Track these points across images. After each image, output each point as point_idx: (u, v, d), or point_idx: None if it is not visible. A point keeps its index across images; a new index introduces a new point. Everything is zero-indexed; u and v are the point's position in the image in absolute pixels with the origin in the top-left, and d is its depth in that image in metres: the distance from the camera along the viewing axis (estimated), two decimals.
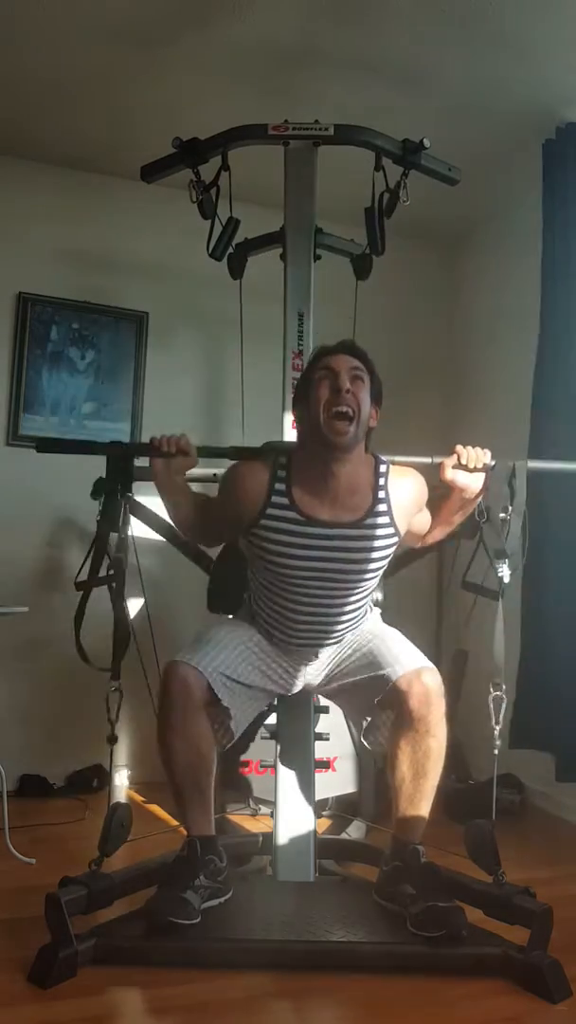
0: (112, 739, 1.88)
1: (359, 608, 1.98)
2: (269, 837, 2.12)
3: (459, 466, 1.93)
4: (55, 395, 3.33)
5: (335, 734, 2.39)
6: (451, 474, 1.93)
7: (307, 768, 2.11)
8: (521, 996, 1.62)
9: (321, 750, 2.20)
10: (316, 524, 1.86)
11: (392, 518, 1.89)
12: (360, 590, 1.94)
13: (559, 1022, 1.57)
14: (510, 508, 1.95)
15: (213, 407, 3.49)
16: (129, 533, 1.99)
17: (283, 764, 2.11)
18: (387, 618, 2.15)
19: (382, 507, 1.89)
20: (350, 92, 2.79)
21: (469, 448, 1.93)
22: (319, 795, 2.19)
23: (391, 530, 1.89)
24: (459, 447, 1.94)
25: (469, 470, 1.93)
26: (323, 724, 2.24)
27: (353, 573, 1.90)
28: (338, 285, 2.67)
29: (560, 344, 2.92)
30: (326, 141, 2.34)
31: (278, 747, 2.13)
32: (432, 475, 1.97)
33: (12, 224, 3.27)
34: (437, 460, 1.96)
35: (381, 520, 1.88)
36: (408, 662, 1.88)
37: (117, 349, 3.42)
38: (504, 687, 1.89)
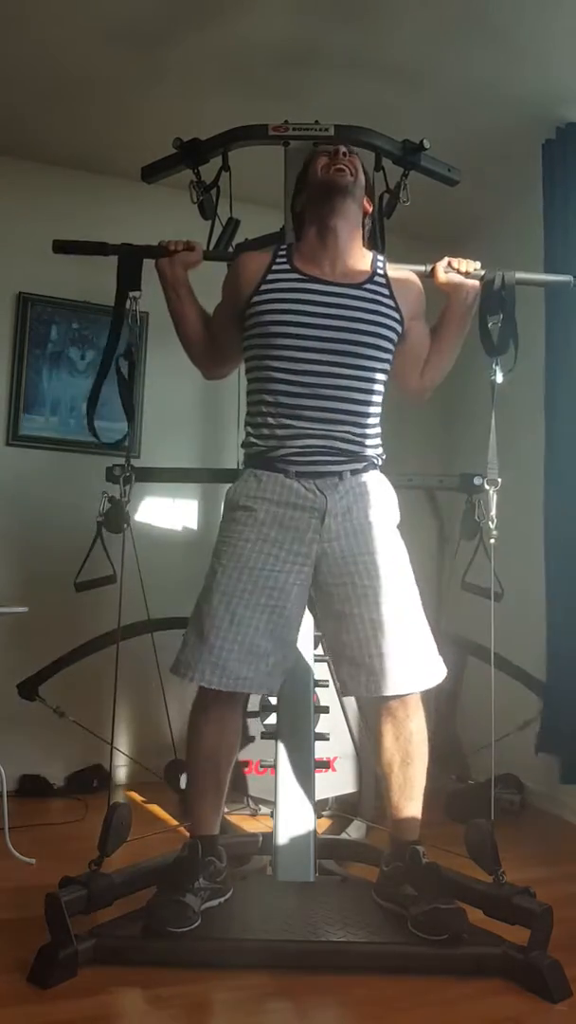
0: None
1: (362, 411, 1.87)
2: (269, 837, 2.12)
3: (451, 270, 2.01)
4: (55, 395, 3.34)
5: (335, 734, 2.39)
6: (445, 275, 2.01)
7: (307, 768, 2.11)
8: (521, 996, 1.62)
9: (321, 750, 2.20)
10: (316, 281, 1.88)
11: (393, 295, 1.92)
12: (361, 370, 1.86)
13: (559, 1022, 1.57)
14: (500, 316, 2.02)
15: (213, 407, 3.49)
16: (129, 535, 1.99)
17: (283, 764, 2.11)
18: None
19: (381, 279, 1.92)
20: (350, 92, 2.79)
21: (458, 258, 2.02)
22: (319, 795, 2.19)
23: (392, 303, 1.91)
24: (447, 257, 2.03)
25: (461, 273, 2.01)
26: (323, 724, 2.24)
27: (353, 339, 1.85)
28: None
29: (566, 343, 2.91)
30: (326, 141, 2.32)
31: (278, 747, 2.13)
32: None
33: (12, 224, 3.27)
34: (430, 266, 2.04)
35: (382, 291, 1.91)
36: (387, 670, 1.81)
37: (120, 346, 3.41)
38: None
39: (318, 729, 2.18)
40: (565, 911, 1.76)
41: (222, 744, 1.88)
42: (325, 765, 2.29)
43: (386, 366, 1.93)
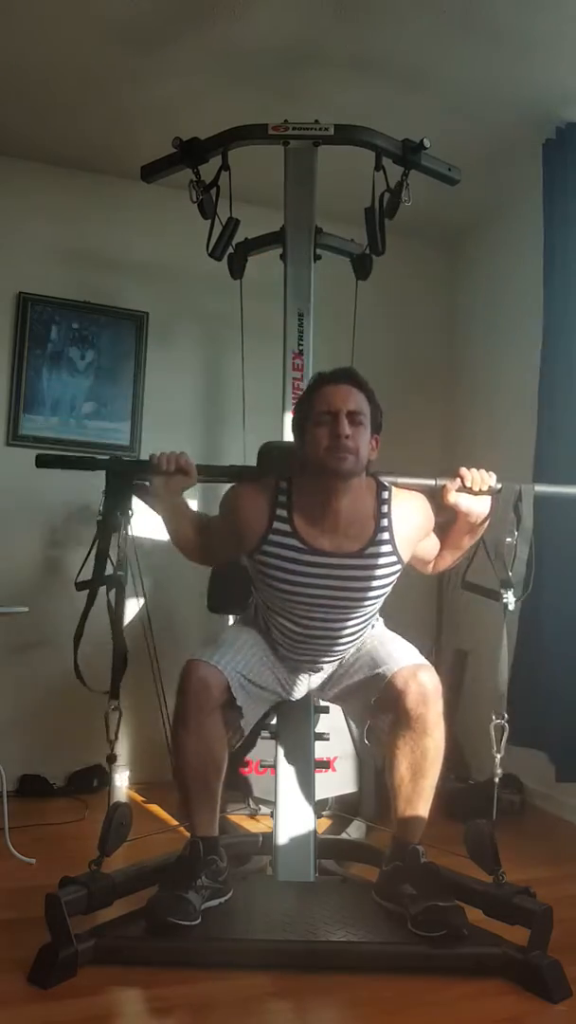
0: (112, 758, 1.89)
1: (362, 627, 1.98)
2: (269, 837, 2.12)
3: (463, 489, 1.90)
4: (55, 395, 3.33)
5: (335, 734, 2.39)
6: (455, 497, 1.91)
7: (307, 768, 2.11)
8: (521, 996, 1.62)
9: (321, 750, 2.20)
10: (318, 553, 1.85)
11: (395, 546, 1.87)
12: (362, 613, 1.93)
13: (559, 1022, 1.57)
14: (516, 533, 1.89)
15: (213, 407, 3.49)
16: (129, 534, 1.98)
17: (283, 764, 2.11)
18: (387, 617, 2.15)
19: (384, 535, 1.86)
20: (350, 92, 2.79)
21: (473, 471, 1.91)
22: (319, 795, 2.19)
23: (393, 558, 1.88)
24: (463, 470, 1.91)
25: (474, 493, 1.90)
26: (323, 724, 2.24)
27: (355, 600, 1.89)
28: (338, 285, 2.66)
29: (564, 344, 2.91)
30: (326, 141, 2.34)
31: (278, 747, 2.12)
32: (437, 496, 1.94)
33: (12, 224, 3.27)
34: (441, 483, 1.93)
35: (383, 549, 1.87)
36: (404, 660, 1.88)
37: (117, 349, 3.42)
38: (506, 716, 1.86)
39: (318, 729, 2.18)
40: (565, 911, 1.76)
41: (208, 758, 1.85)
42: (325, 765, 2.28)
43: (388, 591, 1.95)
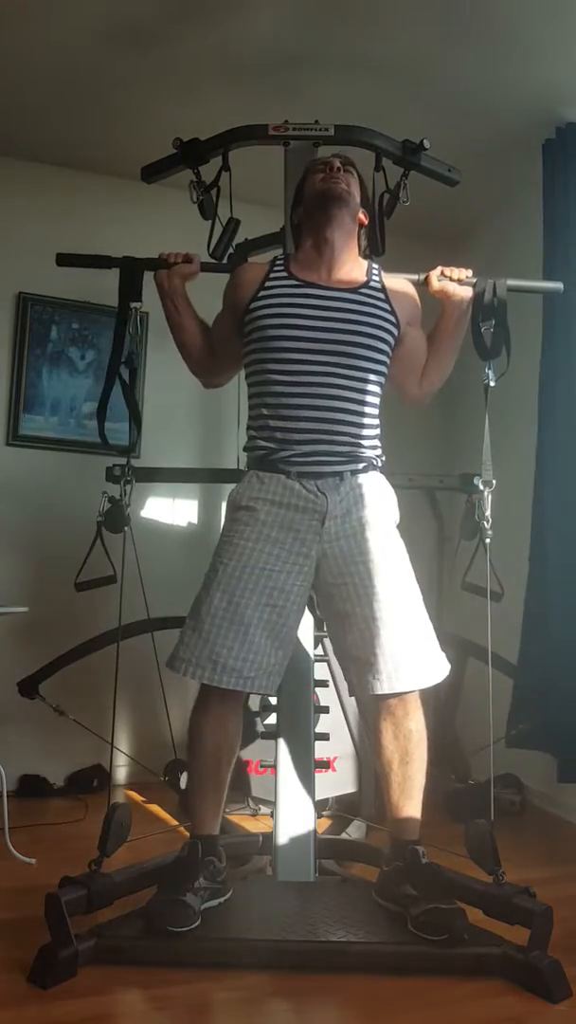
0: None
1: (360, 414, 1.89)
2: (269, 837, 2.12)
3: (443, 278, 2.03)
4: (55, 395, 3.33)
5: (335, 734, 2.39)
6: (439, 284, 2.03)
7: (307, 768, 2.11)
8: (521, 996, 1.62)
9: (321, 750, 2.20)
10: (313, 287, 1.92)
11: (389, 301, 1.95)
12: (359, 374, 1.88)
13: (559, 1022, 1.57)
14: (492, 321, 2.04)
15: (213, 407, 3.49)
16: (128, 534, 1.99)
17: (283, 764, 2.11)
18: None
19: (377, 285, 1.97)
20: (350, 92, 2.79)
21: (451, 266, 2.05)
22: (319, 795, 2.19)
23: (387, 307, 1.94)
24: (440, 266, 2.05)
25: (454, 280, 2.03)
26: (323, 724, 2.24)
27: (350, 343, 1.88)
28: None
29: (564, 344, 2.91)
30: (326, 141, 2.33)
31: (278, 747, 2.13)
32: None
33: (12, 224, 3.27)
34: (424, 275, 2.06)
35: (377, 296, 1.94)
36: (388, 660, 1.81)
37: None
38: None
39: (318, 729, 2.18)
40: (565, 911, 1.77)
41: (223, 744, 1.88)
42: (325, 765, 2.29)
43: (383, 368, 1.95)
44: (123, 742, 3.21)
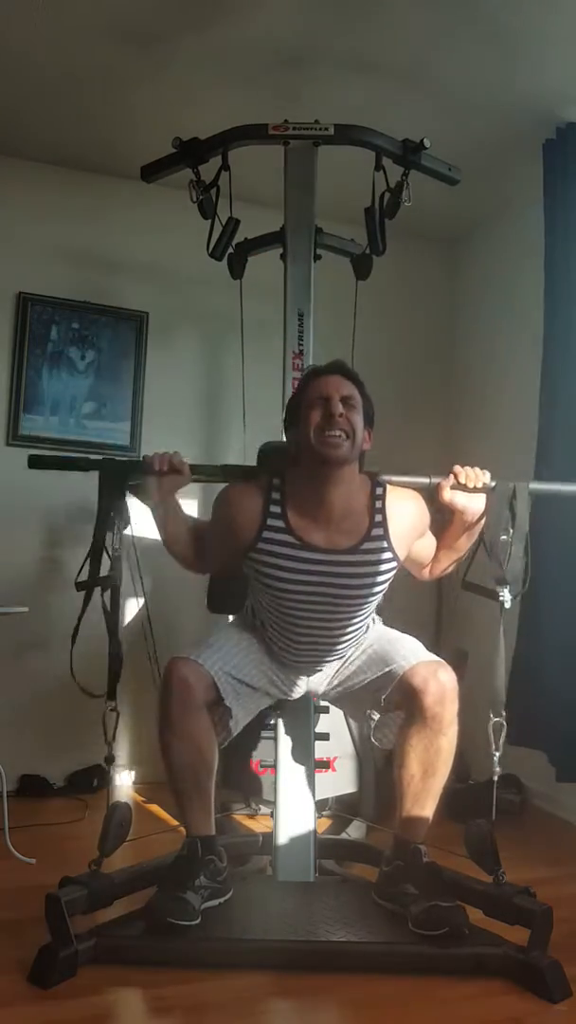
0: (110, 759, 1.88)
1: (360, 626, 1.97)
2: (269, 837, 2.12)
3: (458, 486, 1.90)
4: (55, 395, 3.33)
5: (335, 734, 2.39)
6: (449, 495, 1.90)
7: (307, 768, 2.11)
8: (521, 996, 1.62)
9: (321, 750, 2.20)
10: (312, 549, 1.83)
11: (390, 543, 1.85)
12: (360, 613, 1.92)
13: (559, 1022, 1.57)
14: (511, 531, 1.89)
15: (213, 407, 3.49)
16: (127, 533, 1.98)
17: (283, 764, 2.11)
18: (387, 617, 2.15)
19: (379, 531, 1.85)
20: (350, 92, 2.79)
21: (467, 468, 1.90)
22: (319, 795, 2.19)
23: (389, 555, 1.86)
24: (457, 467, 1.91)
25: (468, 490, 1.90)
26: (323, 724, 2.24)
27: (351, 598, 1.88)
28: (338, 285, 2.66)
29: (566, 344, 2.91)
30: (326, 141, 2.33)
31: (278, 747, 2.12)
32: (433, 495, 1.94)
33: (12, 224, 3.27)
34: (435, 480, 1.93)
35: (378, 545, 1.84)
36: (419, 657, 1.87)
37: (117, 349, 3.42)
38: (504, 715, 1.85)
39: (318, 729, 2.18)
40: (565, 911, 1.76)
41: (196, 756, 1.84)
42: (325, 765, 2.28)
43: (385, 589, 1.94)
44: (123, 742, 3.21)
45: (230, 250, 2.56)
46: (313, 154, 2.35)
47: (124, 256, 3.41)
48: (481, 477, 1.90)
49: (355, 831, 2.61)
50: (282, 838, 2.06)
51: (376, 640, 2.00)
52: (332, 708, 2.24)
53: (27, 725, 3.04)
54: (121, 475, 1.95)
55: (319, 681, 2.04)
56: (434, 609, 3.44)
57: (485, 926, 1.77)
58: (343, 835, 2.56)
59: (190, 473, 1.94)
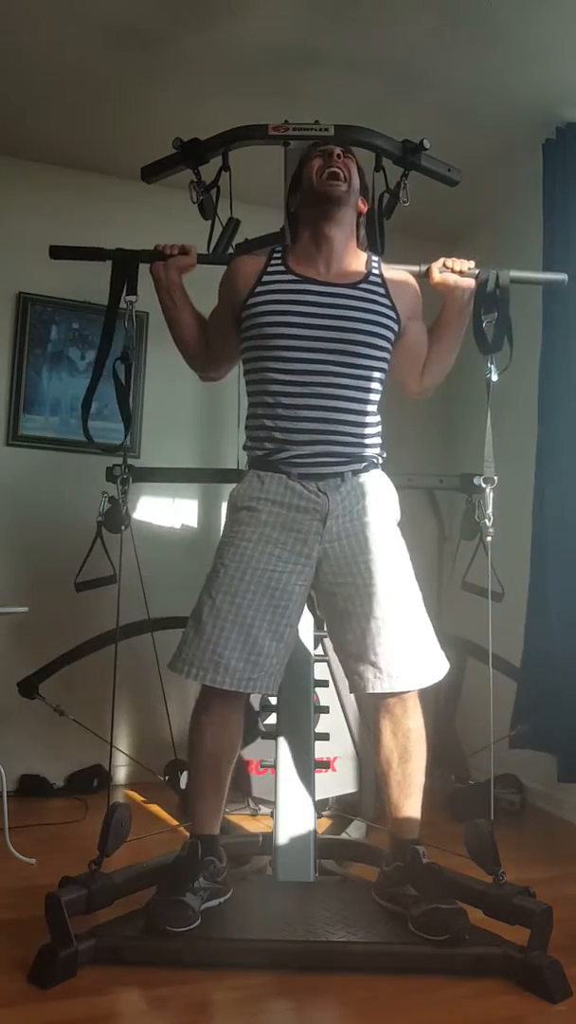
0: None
1: (361, 412, 1.89)
2: (269, 837, 2.12)
3: (445, 270, 2.02)
4: (55, 395, 3.34)
5: (335, 734, 2.39)
6: (441, 275, 2.01)
7: (307, 768, 2.11)
8: (521, 996, 1.62)
9: (321, 750, 2.20)
10: (311, 282, 1.89)
11: (389, 295, 1.93)
12: (359, 371, 1.87)
13: (559, 1022, 1.57)
14: (494, 314, 2.02)
15: (213, 407, 3.49)
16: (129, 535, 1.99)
17: (283, 764, 2.11)
18: None
19: (376, 279, 1.94)
20: (350, 92, 2.79)
21: (453, 259, 2.03)
22: (319, 795, 2.19)
23: (388, 303, 1.92)
24: (442, 258, 2.03)
25: (456, 272, 2.01)
26: (323, 724, 2.24)
27: (349, 340, 1.86)
28: None
29: (564, 344, 2.92)
30: (326, 141, 2.33)
31: (278, 747, 2.13)
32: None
33: (12, 224, 3.27)
34: (425, 267, 2.04)
35: (377, 291, 1.92)
36: (390, 663, 1.82)
37: (117, 349, 3.41)
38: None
39: (318, 729, 2.18)
40: (565, 911, 1.76)
41: (224, 744, 1.88)
42: (325, 765, 2.28)
43: (383, 364, 1.94)
44: (123, 742, 3.21)
45: (230, 250, 2.56)
46: None
47: None
48: (466, 263, 2.04)
49: (355, 831, 2.61)
50: (282, 838, 2.06)
51: (387, 582, 1.85)
52: (332, 708, 2.24)
53: (27, 725, 3.04)
54: (133, 260, 2.08)
55: (331, 533, 1.86)
56: (434, 608, 3.43)
57: (485, 926, 1.77)
58: (343, 835, 2.56)
59: (196, 254, 2.06)
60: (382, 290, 1.93)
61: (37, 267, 3.29)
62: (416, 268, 2.05)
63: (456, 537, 2.80)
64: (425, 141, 2.29)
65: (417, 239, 3.64)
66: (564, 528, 2.81)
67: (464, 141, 2.89)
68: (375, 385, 1.92)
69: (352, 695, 2.05)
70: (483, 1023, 1.56)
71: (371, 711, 1.92)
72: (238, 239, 2.56)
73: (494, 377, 2.05)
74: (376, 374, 1.92)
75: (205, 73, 2.76)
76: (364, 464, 1.91)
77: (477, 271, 2.04)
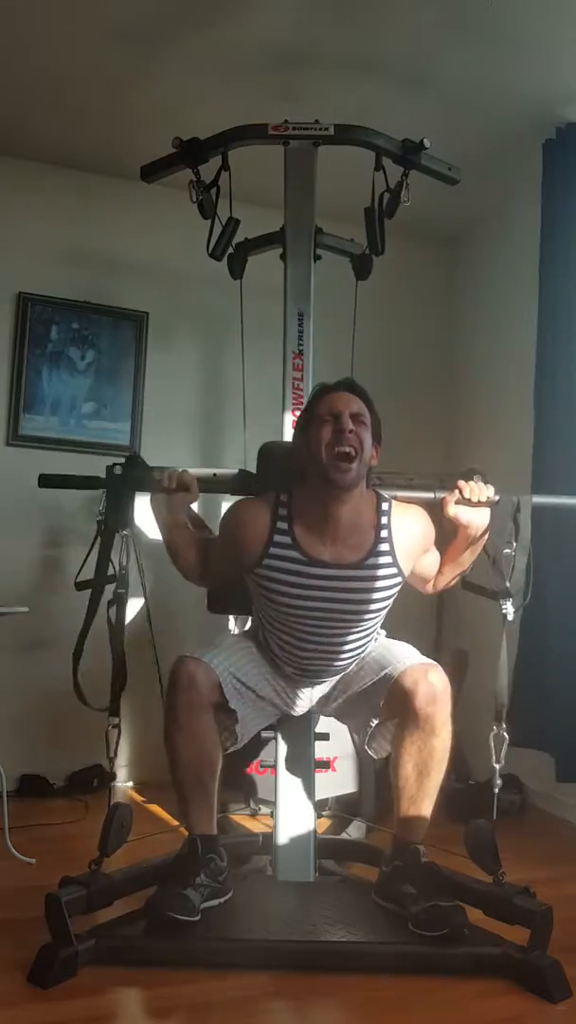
0: (111, 776, 1.92)
1: (364, 642, 1.98)
2: (269, 837, 2.12)
3: (462, 501, 1.90)
4: (55, 395, 3.33)
5: (335, 734, 2.39)
6: (454, 510, 1.91)
7: (307, 768, 2.11)
8: (521, 996, 1.62)
9: (321, 750, 2.20)
10: (318, 565, 1.85)
11: (395, 558, 1.88)
12: (364, 627, 1.93)
13: (559, 1022, 1.57)
14: (514, 544, 1.90)
15: (213, 407, 3.49)
16: (131, 543, 1.99)
17: (283, 764, 2.11)
18: (389, 617, 2.15)
19: (384, 547, 1.87)
20: (350, 92, 2.79)
21: (472, 483, 1.91)
22: (319, 795, 2.19)
23: (394, 570, 1.88)
24: (461, 482, 1.91)
25: (472, 504, 1.90)
26: (323, 724, 2.24)
27: (356, 612, 1.89)
28: (338, 285, 2.66)
29: (559, 343, 2.92)
30: (326, 141, 2.33)
31: (278, 747, 2.12)
32: (437, 509, 1.94)
33: (12, 224, 3.27)
34: (440, 495, 1.94)
35: (383, 560, 1.87)
36: (411, 659, 1.89)
37: (117, 349, 3.42)
38: (505, 726, 1.88)
39: (318, 729, 2.18)
40: (565, 911, 1.76)
41: (201, 755, 1.85)
42: (325, 765, 2.28)
43: (389, 604, 1.95)
44: (125, 741, 3.20)
45: (230, 250, 2.56)
46: (313, 154, 2.35)
47: (124, 256, 3.41)
48: (485, 491, 1.90)
49: (355, 831, 2.61)
50: (282, 838, 2.06)
51: (375, 649, 2.01)
52: None
53: (27, 725, 3.05)
54: (129, 491, 1.96)
55: (322, 692, 2.05)
56: (434, 609, 3.43)
57: (485, 926, 1.77)
58: (343, 835, 2.56)
59: (197, 489, 1.97)
60: (389, 558, 1.87)
61: (37, 267, 3.30)
62: (430, 495, 1.95)
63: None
64: (425, 140, 2.29)
65: (417, 239, 3.66)
66: (560, 534, 2.81)
67: (464, 141, 2.89)
68: (379, 619, 1.97)
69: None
70: (483, 1023, 1.56)
71: (398, 725, 1.91)
72: (237, 238, 2.56)
73: (510, 616, 1.90)
74: (380, 615, 1.96)
75: (205, 73, 2.76)
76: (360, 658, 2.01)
77: (497, 498, 1.90)
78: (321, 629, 1.89)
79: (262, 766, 2.43)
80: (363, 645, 1.98)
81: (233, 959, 1.70)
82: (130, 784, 3.23)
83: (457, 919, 1.71)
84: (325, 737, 2.22)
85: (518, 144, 3.07)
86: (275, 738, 2.14)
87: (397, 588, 1.92)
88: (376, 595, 1.88)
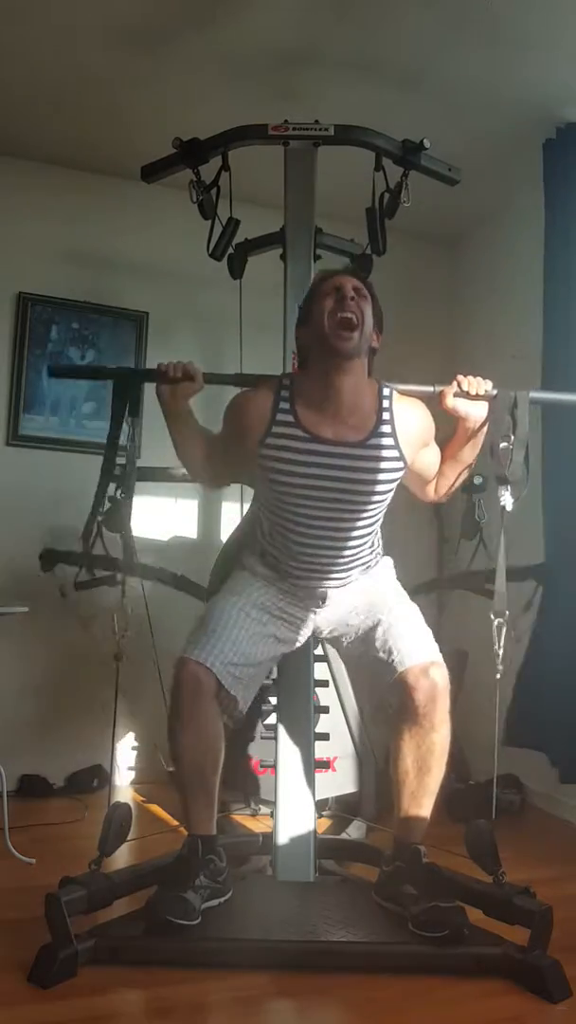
0: (119, 656, 1.94)
1: (364, 541, 1.95)
2: (269, 837, 2.12)
3: (460, 393, 1.94)
4: (55, 395, 3.33)
5: (335, 734, 2.39)
6: (452, 402, 1.94)
7: (307, 768, 2.11)
8: (521, 996, 1.62)
9: (321, 750, 2.20)
10: (320, 441, 1.85)
11: (397, 443, 1.88)
12: (364, 517, 1.91)
13: (559, 1022, 1.57)
14: (512, 437, 1.93)
15: (213, 407, 3.48)
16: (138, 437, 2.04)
17: (283, 764, 2.11)
18: None
19: (386, 428, 1.88)
20: (350, 92, 2.79)
21: (470, 377, 1.95)
22: (319, 795, 2.19)
23: (395, 453, 1.88)
24: (459, 376, 1.95)
25: (470, 397, 1.93)
26: (323, 724, 2.24)
27: (357, 495, 1.87)
28: None
29: (562, 343, 2.92)
30: (326, 141, 2.33)
31: (278, 747, 2.12)
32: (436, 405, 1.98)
33: (12, 224, 3.27)
34: (439, 388, 1.97)
35: (386, 442, 1.87)
36: (417, 655, 1.88)
37: (117, 349, 3.42)
38: (507, 614, 1.90)
39: (318, 729, 2.18)
40: (565, 911, 1.76)
41: (205, 751, 1.85)
42: (325, 765, 2.29)
43: (389, 498, 1.95)
44: (124, 742, 3.21)
45: (230, 250, 2.56)
46: (313, 154, 2.35)
47: (124, 256, 3.41)
48: (483, 384, 1.94)
49: (355, 831, 2.61)
50: (282, 838, 2.06)
51: (385, 609, 1.98)
52: (332, 708, 2.24)
53: (27, 725, 3.05)
54: (136, 382, 2.03)
55: (325, 620, 2.01)
56: (434, 609, 3.43)
57: (485, 926, 1.77)
58: (343, 835, 2.56)
59: (202, 379, 1.99)
60: (391, 440, 1.88)
61: (37, 267, 3.30)
62: (429, 389, 1.98)
63: (456, 537, 2.79)
64: (425, 141, 2.29)
65: (418, 239, 3.65)
66: (565, 534, 2.81)
67: (464, 141, 2.89)
68: (379, 516, 1.96)
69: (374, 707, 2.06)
70: (483, 1023, 1.56)
71: (395, 719, 1.90)
72: (237, 239, 2.57)
73: (508, 507, 1.92)
74: (381, 508, 1.94)
75: (205, 73, 2.76)
76: (361, 571, 1.98)
77: (494, 393, 1.95)
78: (321, 512, 1.87)
79: (262, 766, 2.43)
80: (363, 549, 1.95)
81: (233, 959, 1.70)
82: (130, 784, 3.23)
83: (457, 919, 1.71)
84: (325, 737, 2.22)
85: (518, 144, 3.07)
86: (275, 738, 2.14)
87: (398, 475, 1.90)
88: (379, 477, 1.87)
